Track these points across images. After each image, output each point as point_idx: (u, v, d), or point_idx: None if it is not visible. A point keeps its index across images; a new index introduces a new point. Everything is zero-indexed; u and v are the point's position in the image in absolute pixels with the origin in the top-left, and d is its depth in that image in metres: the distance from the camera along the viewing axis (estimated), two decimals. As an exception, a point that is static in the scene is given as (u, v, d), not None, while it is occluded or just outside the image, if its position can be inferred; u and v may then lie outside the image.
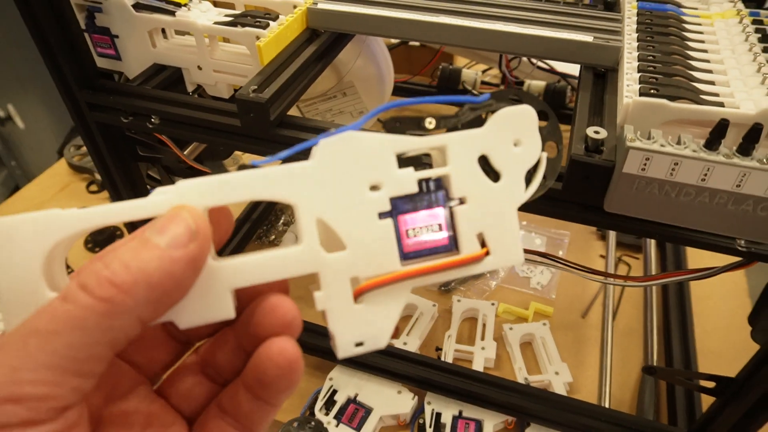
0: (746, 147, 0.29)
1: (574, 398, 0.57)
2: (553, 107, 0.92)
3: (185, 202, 0.20)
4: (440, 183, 0.23)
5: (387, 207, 0.22)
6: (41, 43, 0.43)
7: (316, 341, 0.60)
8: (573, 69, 0.87)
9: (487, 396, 0.58)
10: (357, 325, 0.22)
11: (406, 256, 0.22)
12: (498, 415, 0.58)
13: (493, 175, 0.23)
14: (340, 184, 0.21)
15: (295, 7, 0.48)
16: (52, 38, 0.42)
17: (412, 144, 0.22)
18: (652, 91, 0.35)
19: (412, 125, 0.22)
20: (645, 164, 0.31)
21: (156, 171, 0.61)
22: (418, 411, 0.59)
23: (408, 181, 0.22)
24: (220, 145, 0.52)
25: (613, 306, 0.69)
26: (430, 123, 0.22)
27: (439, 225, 0.23)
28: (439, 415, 0.58)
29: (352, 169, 0.21)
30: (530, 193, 0.23)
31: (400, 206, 0.22)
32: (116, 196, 0.54)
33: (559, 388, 0.60)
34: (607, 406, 0.58)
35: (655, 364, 0.63)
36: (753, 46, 0.39)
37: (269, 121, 0.40)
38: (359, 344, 0.22)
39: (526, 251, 0.47)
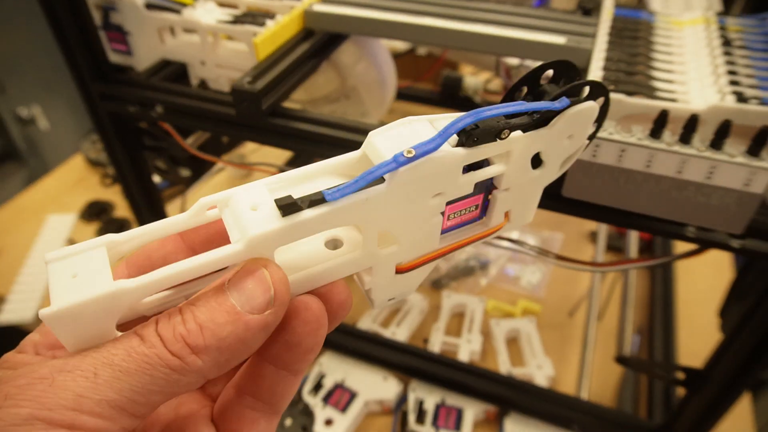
0: (686, 136, 0.32)
1: (552, 390, 0.59)
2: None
3: (256, 251, 0.19)
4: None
5: (443, 208, 0.22)
6: (61, 39, 0.47)
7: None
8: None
9: (469, 385, 0.60)
10: (393, 289, 0.24)
11: (443, 231, 0.24)
12: (479, 404, 0.60)
13: (536, 162, 0.24)
14: (410, 202, 0.21)
15: (291, 8, 0.51)
16: (70, 35, 0.46)
17: (483, 154, 0.22)
18: (611, 87, 0.38)
19: (489, 138, 0.21)
20: (595, 151, 0.34)
21: (163, 162, 0.65)
22: (403, 398, 0.62)
23: (467, 185, 0.22)
24: (217, 133, 0.56)
25: (600, 305, 0.71)
26: (505, 134, 0.22)
27: (477, 206, 0.24)
28: (422, 402, 0.60)
29: (423, 186, 0.21)
30: (560, 173, 0.25)
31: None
32: (125, 183, 0.58)
33: (541, 381, 0.62)
34: (585, 398, 0.60)
35: (634, 355, 0.65)
36: (714, 50, 0.42)
37: (261, 110, 0.43)
38: (391, 299, 0.24)
39: (512, 240, 0.49)
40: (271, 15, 0.49)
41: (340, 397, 0.61)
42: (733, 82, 0.37)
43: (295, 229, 0.19)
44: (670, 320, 0.65)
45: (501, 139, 0.22)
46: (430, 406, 0.60)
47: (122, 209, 0.89)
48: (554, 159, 0.24)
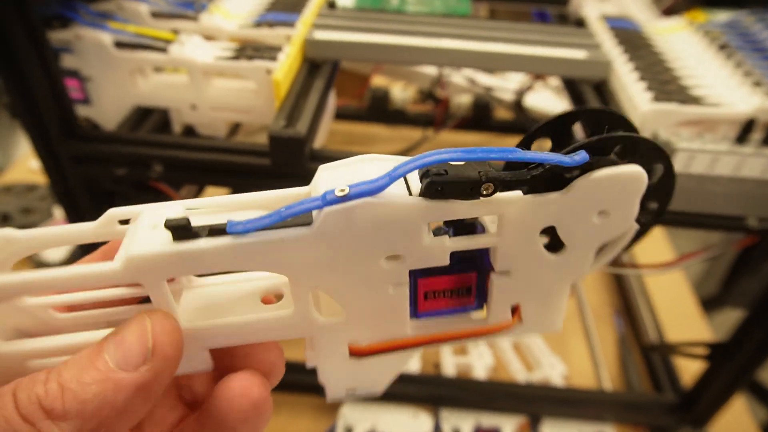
0: (768, 139, 0.35)
1: (580, 389, 0.61)
2: (480, 119, 0.96)
3: (138, 275, 0.16)
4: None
5: (405, 278, 0.18)
6: (19, 88, 0.37)
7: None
8: (493, 83, 0.94)
9: (499, 401, 0.59)
10: (350, 378, 0.19)
11: (419, 314, 0.19)
12: (513, 418, 0.60)
13: (554, 244, 0.18)
14: (348, 255, 0.17)
15: (288, 38, 0.46)
16: (35, 84, 0.36)
17: (455, 212, 0.17)
18: (663, 97, 0.39)
19: (461, 192, 0.16)
20: (689, 162, 0.35)
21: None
22: (437, 429, 0.59)
23: (438, 252, 0.17)
24: (243, 187, 0.48)
25: (585, 295, 0.75)
26: (487, 189, 0.16)
27: (468, 289, 0.19)
28: (458, 430, 0.58)
29: (368, 239, 0.17)
30: (595, 268, 0.19)
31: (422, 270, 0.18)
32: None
33: (558, 380, 0.64)
34: (607, 388, 0.63)
35: (625, 339, 0.70)
36: (716, 55, 0.46)
37: (305, 156, 0.38)
38: (351, 389, 0.20)
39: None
40: (275, 48, 0.44)
41: (377, 446, 0.56)
42: (756, 83, 0.41)
43: (186, 260, 0.16)
44: (648, 300, 0.71)
45: (482, 195, 0.16)
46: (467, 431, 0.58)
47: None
48: (581, 243, 0.18)
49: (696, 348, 0.54)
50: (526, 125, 0.90)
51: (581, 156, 0.16)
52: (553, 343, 0.69)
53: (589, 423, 0.59)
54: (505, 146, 0.17)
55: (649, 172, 0.17)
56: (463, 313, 0.19)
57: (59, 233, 0.18)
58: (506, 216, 0.17)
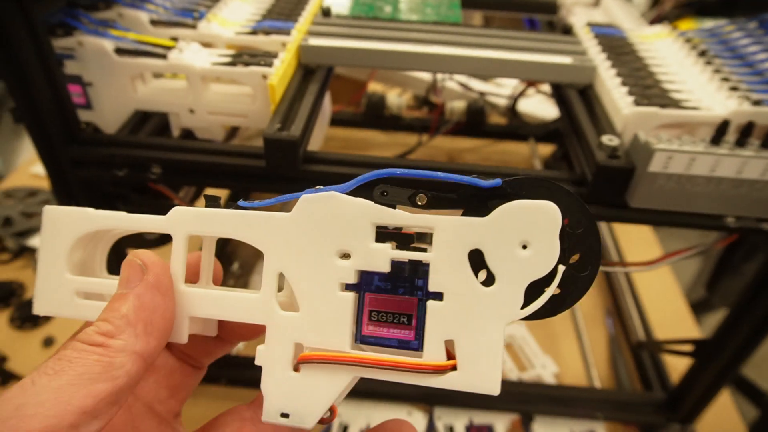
0: (743, 141, 0.36)
1: (574, 387, 0.63)
2: (474, 125, 0.97)
3: (176, 226, 0.22)
4: (427, 271, 0.21)
5: (352, 279, 0.21)
6: (24, 95, 0.38)
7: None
8: (487, 88, 0.95)
9: (492, 400, 0.61)
10: (287, 395, 0.21)
11: (363, 339, 0.21)
12: (506, 416, 0.61)
13: (489, 278, 0.20)
14: (310, 243, 0.21)
15: (284, 44, 0.48)
16: (38, 91, 0.38)
17: (395, 218, 0.20)
18: (644, 101, 0.41)
19: (401, 198, 0.21)
20: (667, 162, 0.36)
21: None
22: (431, 426, 0.60)
23: (380, 257, 0.20)
24: (239, 189, 0.50)
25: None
26: (420, 199, 0.20)
27: (409, 317, 0.21)
28: (451, 428, 0.60)
29: (325, 231, 0.21)
30: (528, 311, 0.20)
31: (371, 284, 0.21)
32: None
33: (549, 379, 0.65)
34: (597, 386, 0.64)
35: (614, 338, 0.71)
36: (696, 61, 0.47)
37: (299, 158, 0.39)
38: (284, 415, 0.21)
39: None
40: (270, 54, 0.45)
41: (371, 444, 0.57)
42: (733, 88, 0.43)
43: (206, 217, 0.22)
44: (638, 300, 0.72)
45: (417, 204, 0.20)
46: (460, 429, 0.59)
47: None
48: (509, 277, 0.19)
49: (682, 345, 0.56)
50: (519, 130, 0.92)
51: (495, 181, 0.20)
52: (545, 344, 0.70)
53: (580, 421, 0.60)
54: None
55: (577, 223, 0.20)
56: (402, 350, 0.21)
57: (130, 219, 0.23)
58: (438, 232, 0.20)
